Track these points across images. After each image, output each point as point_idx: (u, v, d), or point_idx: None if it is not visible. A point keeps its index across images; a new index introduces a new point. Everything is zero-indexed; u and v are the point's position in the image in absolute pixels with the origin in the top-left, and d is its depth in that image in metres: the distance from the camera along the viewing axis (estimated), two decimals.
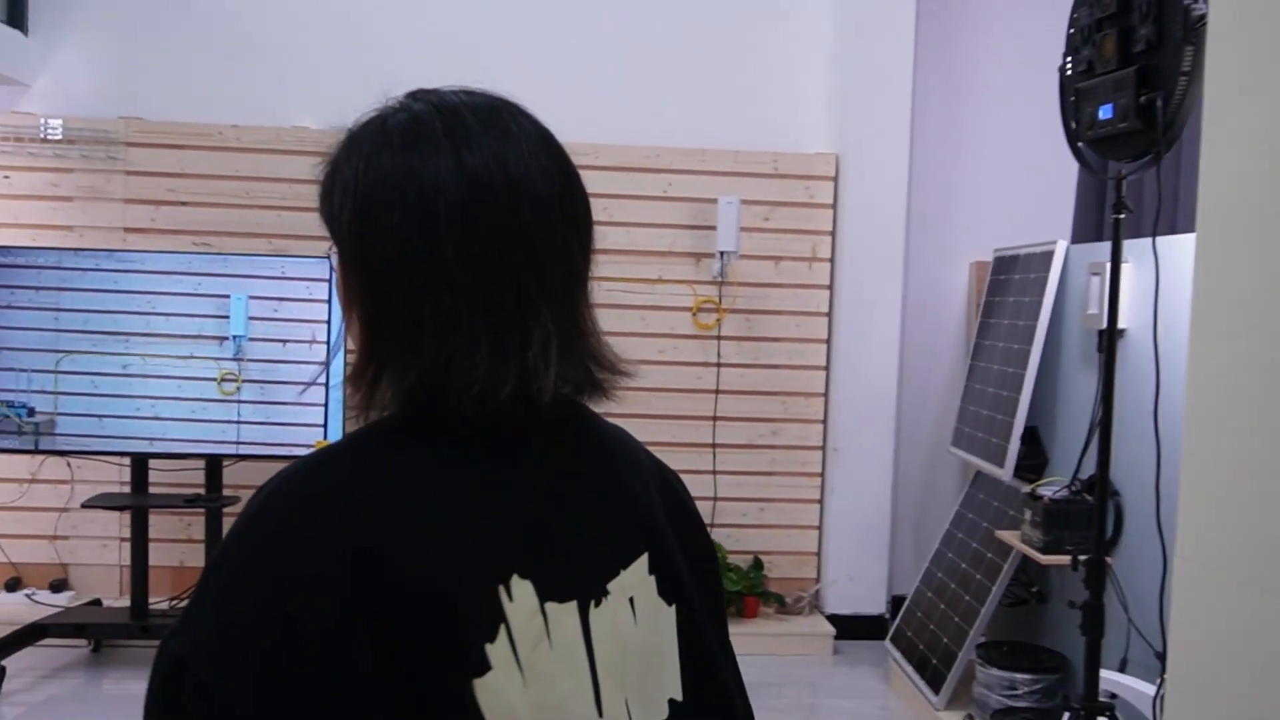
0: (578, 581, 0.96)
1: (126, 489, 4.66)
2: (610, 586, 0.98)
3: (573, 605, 0.95)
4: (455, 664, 0.87)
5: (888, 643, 4.71)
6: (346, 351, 4.42)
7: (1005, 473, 3.99)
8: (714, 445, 5.17)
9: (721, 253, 4.99)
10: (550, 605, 0.93)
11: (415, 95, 1.04)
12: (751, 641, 4.89)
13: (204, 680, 0.85)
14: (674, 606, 1.05)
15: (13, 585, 4.91)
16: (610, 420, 1.25)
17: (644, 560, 1.04)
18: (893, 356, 5.13)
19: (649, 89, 5.16)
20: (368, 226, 0.99)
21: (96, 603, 4.77)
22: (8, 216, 4.91)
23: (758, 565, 5.14)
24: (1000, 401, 4.18)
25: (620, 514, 1.06)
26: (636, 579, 1.02)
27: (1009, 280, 4.40)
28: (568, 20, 5.14)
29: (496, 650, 0.88)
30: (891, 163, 5.09)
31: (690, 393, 5.16)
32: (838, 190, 5.19)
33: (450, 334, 0.95)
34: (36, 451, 4.44)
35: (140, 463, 4.43)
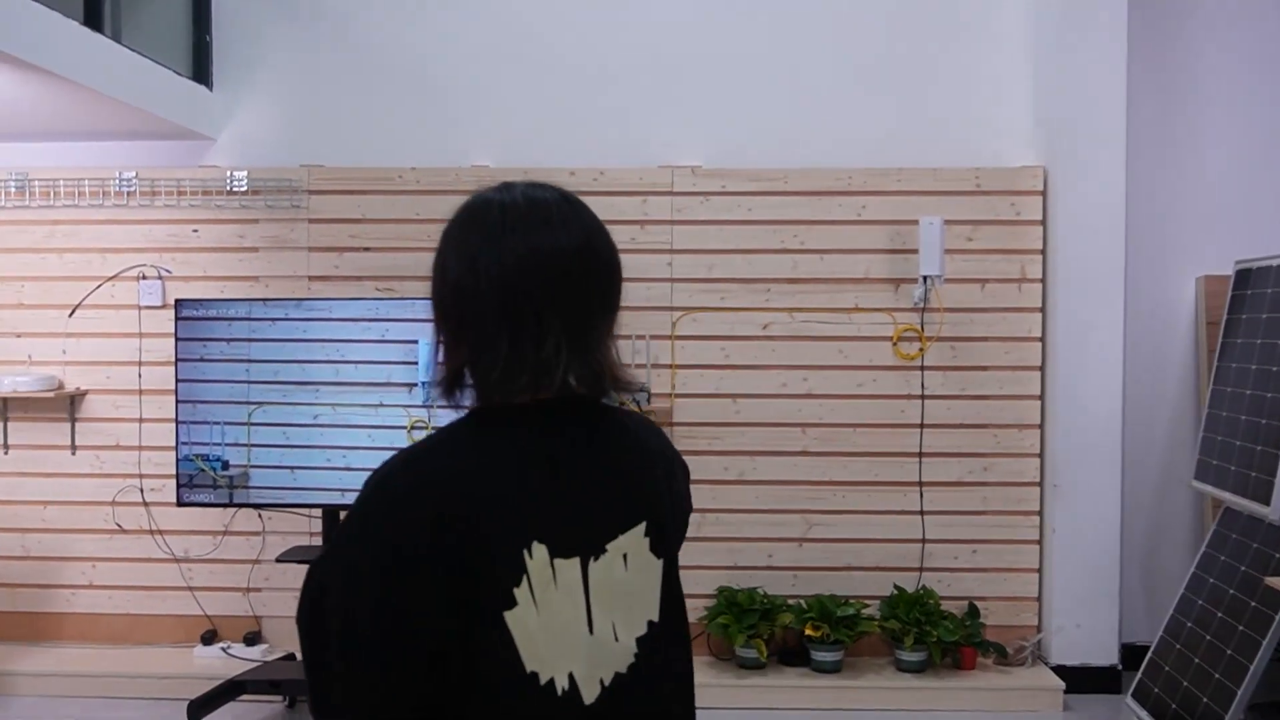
0: (581, 542, 1.33)
1: (317, 539, 4.58)
2: (609, 546, 1.36)
3: (575, 560, 1.32)
4: (493, 599, 1.26)
5: (1129, 699, 4.27)
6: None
7: (1272, 510, 3.54)
8: (920, 483, 4.82)
9: (924, 277, 4.66)
10: (558, 560, 1.30)
11: (499, 187, 1.42)
12: (971, 696, 4.51)
13: (338, 598, 1.24)
14: (661, 560, 1.42)
15: (209, 638, 4.88)
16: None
17: (641, 526, 1.40)
18: (1115, 382, 4.71)
19: (837, 108, 4.89)
20: (445, 282, 1.41)
21: (290, 657, 4.68)
22: (196, 269, 4.92)
23: (973, 613, 4.75)
24: (1256, 430, 3.73)
25: (623, 490, 1.41)
26: (633, 540, 1.39)
27: (1257, 295, 3.95)
28: (750, 45, 4.92)
29: (520, 591, 1.27)
30: (1106, 172, 4.68)
31: (893, 428, 4.83)
32: (1047, 205, 4.81)
33: (485, 347, 1.34)
34: (231, 505, 4.39)
35: (331, 515, 4.32)
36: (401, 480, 1.30)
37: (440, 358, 1.42)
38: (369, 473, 1.32)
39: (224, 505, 4.37)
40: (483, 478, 1.30)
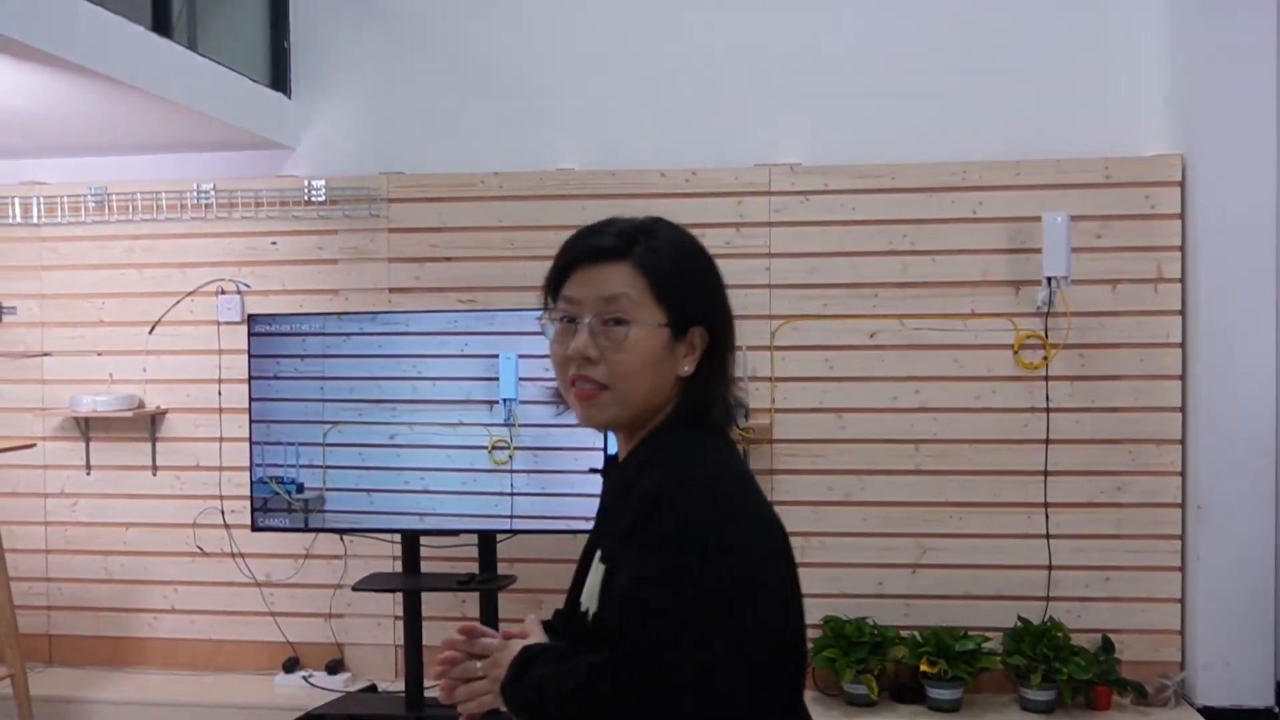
0: None
1: (398, 563, 4.35)
2: None
3: None
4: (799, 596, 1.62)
5: None
6: None
7: None
8: (1046, 505, 4.40)
9: (1049, 279, 4.25)
10: None
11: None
12: None
13: (752, 574, 1.49)
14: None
15: (290, 666, 4.69)
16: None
17: None
18: (1267, 391, 4.24)
19: (948, 96, 4.51)
20: (728, 309, 1.67)
21: (372, 688, 4.47)
22: (275, 283, 4.75)
23: (1107, 647, 4.32)
24: None
25: None
26: None
27: None
28: (849, 32, 4.57)
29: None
30: (1254, 159, 4.22)
31: (1015, 444, 4.42)
32: (1185, 197, 4.36)
33: (733, 370, 1.65)
34: (306, 530, 4.18)
35: (411, 540, 4.09)
36: (743, 494, 1.54)
37: (716, 380, 1.59)
38: (656, 491, 1.48)
39: (298, 530, 4.16)
40: (742, 475, 1.59)
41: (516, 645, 1.57)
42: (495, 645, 1.60)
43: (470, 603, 4.48)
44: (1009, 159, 4.43)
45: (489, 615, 4.03)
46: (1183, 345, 4.37)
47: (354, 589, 3.99)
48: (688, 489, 1.49)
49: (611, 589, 1.47)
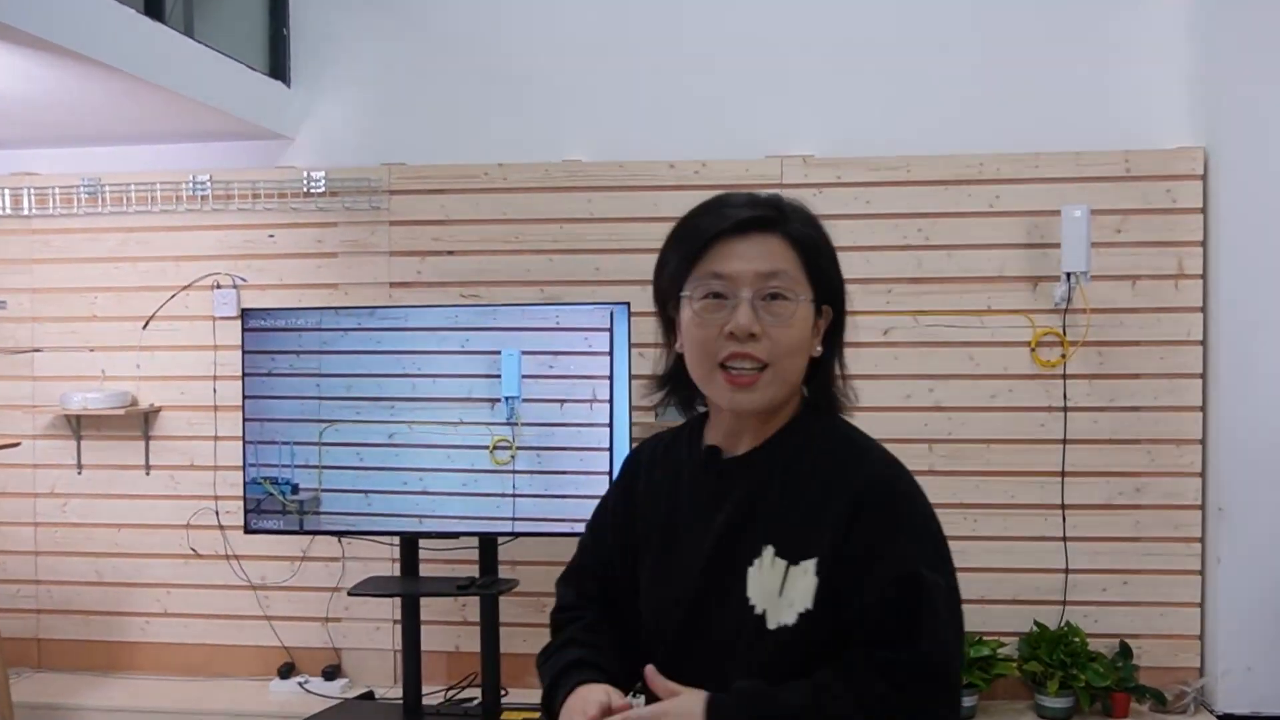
0: None
1: (397, 565, 4.23)
2: None
3: None
4: None
5: None
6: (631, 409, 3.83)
7: None
8: (1063, 506, 4.28)
9: (1068, 274, 4.13)
10: None
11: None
12: None
13: (954, 585, 1.48)
14: None
15: (286, 671, 4.57)
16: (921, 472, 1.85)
17: None
18: None
19: (965, 87, 4.38)
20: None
21: (369, 695, 4.34)
22: (273, 277, 4.63)
23: (1125, 653, 4.20)
24: None
25: None
26: None
27: None
28: (863, 21, 4.44)
29: None
30: (1277, 152, 4.10)
31: (1031, 444, 4.30)
32: (1207, 191, 4.23)
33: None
34: (301, 532, 4.06)
35: (410, 543, 3.97)
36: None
37: (839, 362, 1.58)
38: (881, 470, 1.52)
39: (292, 533, 4.04)
40: None
41: (692, 701, 1.40)
42: (653, 712, 1.43)
43: (471, 606, 4.37)
44: (1027, 151, 4.31)
45: (490, 620, 3.91)
46: (1203, 343, 4.25)
47: (350, 594, 3.86)
48: (907, 475, 1.52)
49: (862, 582, 1.41)
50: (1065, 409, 4.28)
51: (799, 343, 1.48)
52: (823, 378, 1.55)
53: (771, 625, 1.42)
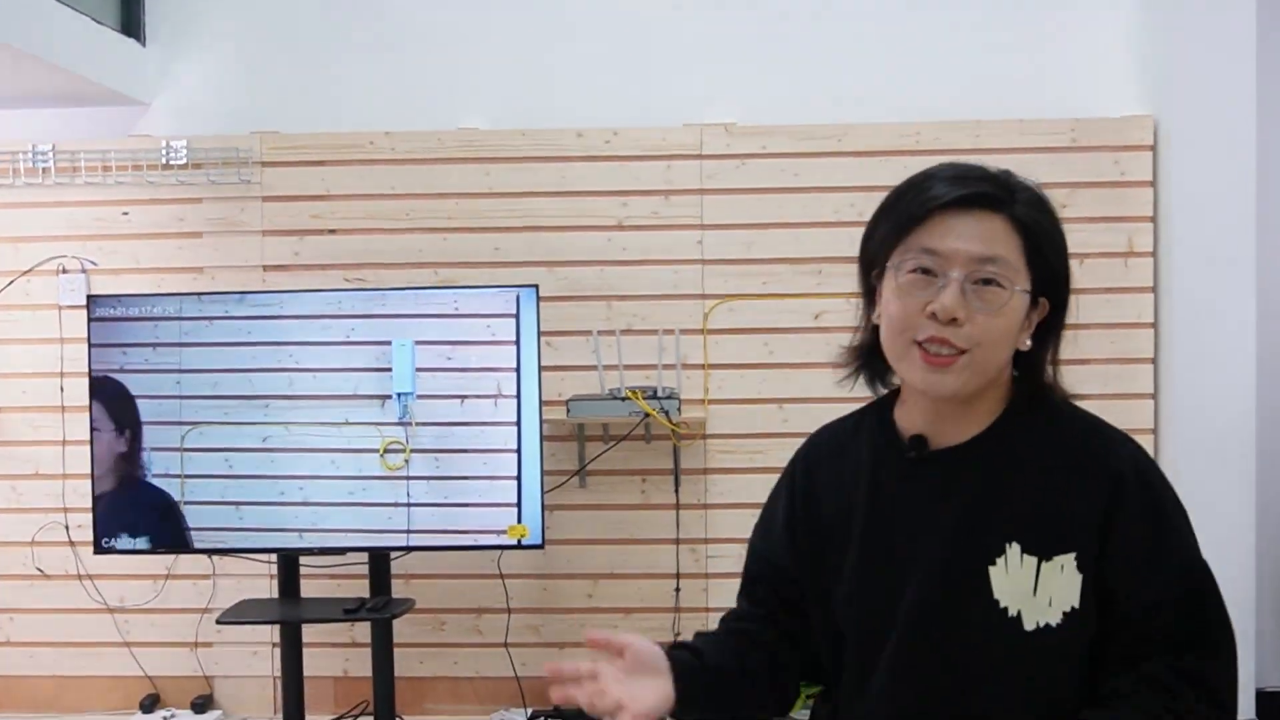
0: None
1: (276, 582, 3.73)
2: None
3: None
4: None
5: None
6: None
7: None
8: None
9: None
10: None
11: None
12: None
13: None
14: None
15: (149, 704, 4.05)
16: None
17: None
18: (1248, 377, 3.85)
19: (900, 50, 4.03)
20: None
21: None
22: (128, 260, 4.08)
23: None
24: None
25: None
26: None
27: None
28: None
29: None
30: (1233, 121, 3.82)
31: None
32: (1158, 163, 3.95)
33: None
34: (159, 551, 3.54)
35: (290, 561, 3.49)
36: None
37: (1054, 360, 1.48)
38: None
39: (149, 552, 3.51)
40: None
41: None
42: None
43: (361, 626, 3.89)
44: (967, 119, 3.98)
45: (382, 644, 3.45)
46: (1155, 325, 3.97)
47: (219, 623, 3.36)
48: (1156, 464, 1.48)
49: (1141, 578, 1.36)
50: None
51: (1004, 334, 1.39)
52: (1031, 371, 1.46)
53: (1029, 626, 1.36)
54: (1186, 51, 3.85)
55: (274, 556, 3.57)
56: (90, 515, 3.73)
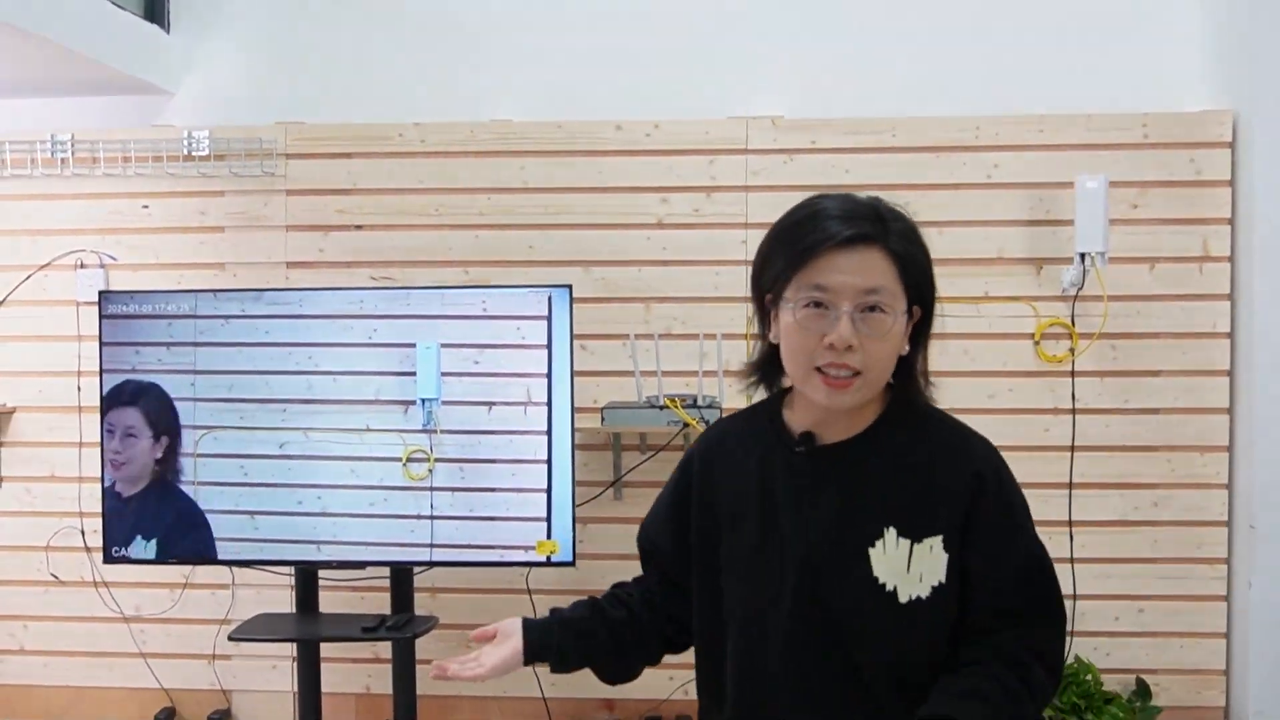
0: None
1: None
2: None
3: None
4: None
5: None
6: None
7: None
8: (1070, 523, 3.72)
9: (1082, 255, 3.56)
10: None
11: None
12: None
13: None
14: None
15: (166, 717, 3.90)
16: None
17: None
18: None
19: (959, 39, 3.80)
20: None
21: None
22: (148, 255, 3.92)
23: (1143, 691, 3.66)
24: None
25: None
26: None
27: None
28: None
29: None
30: None
31: (1035, 451, 3.73)
32: (1236, 161, 3.69)
33: None
34: (170, 562, 3.37)
35: (308, 574, 3.31)
36: None
37: (923, 356, 1.69)
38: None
39: (160, 562, 3.35)
40: None
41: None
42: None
43: (382, 646, 3.70)
44: (1031, 113, 3.74)
45: (404, 664, 3.26)
46: (1231, 335, 3.71)
47: (231, 639, 3.18)
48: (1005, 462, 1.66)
49: (993, 559, 1.58)
50: (1074, 411, 3.72)
51: (891, 353, 1.58)
52: (908, 371, 1.65)
53: (903, 599, 1.56)
54: (1269, 42, 3.60)
55: (291, 569, 3.39)
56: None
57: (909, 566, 1.57)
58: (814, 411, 1.62)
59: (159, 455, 3.29)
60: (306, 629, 3.19)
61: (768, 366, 1.70)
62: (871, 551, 1.57)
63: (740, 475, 1.68)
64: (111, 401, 3.29)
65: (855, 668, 1.57)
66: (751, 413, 1.77)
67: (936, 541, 1.56)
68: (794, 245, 1.56)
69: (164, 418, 3.28)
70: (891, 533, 1.57)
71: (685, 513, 1.73)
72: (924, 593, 1.56)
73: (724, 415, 1.77)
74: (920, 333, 1.63)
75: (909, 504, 1.58)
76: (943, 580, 1.57)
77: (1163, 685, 3.71)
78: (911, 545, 1.57)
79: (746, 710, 1.64)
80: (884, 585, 1.56)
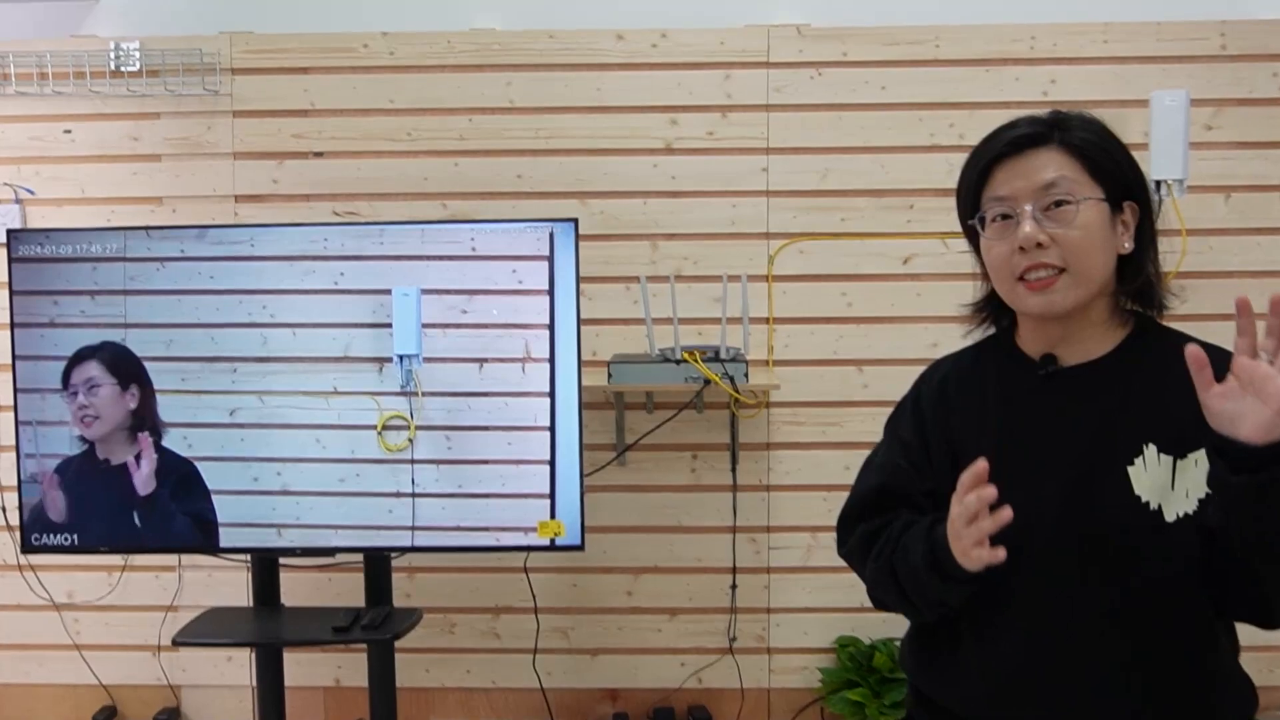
0: None
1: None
2: None
3: None
4: None
5: None
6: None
7: None
8: None
9: (1158, 183, 3.11)
10: None
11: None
12: None
13: None
14: None
15: (106, 717, 3.41)
16: None
17: None
18: None
19: None
20: None
21: None
22: (71, 188, 3.38)
23: None
24: None
25: None
26: None
27: None
28: None
29: None
30: None
31: None
32: None
33: None
34: (102, 550, 2.87)
35: (267, 563, 2.82)
36: None
37: (1152, 258, 1.61)
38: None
39: (90, 551, 2.84)
40: None
41: None
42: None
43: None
44: (1093, 21, 3.26)
45: (382, 663, 2.78)
46: None
47: (176, 643, 2.68)
48: None
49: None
50: None
51: (1092, 242, 1.52)
52: (1139, 277, 1.57)
53: (1170, 518, 1.48)
54: None
55: (248, 557, 2.90)
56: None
57: (1173, 483, 1.49)
58: (1047, 333, 1.59)
59: (133, 406, 2.78)
60: (266, 629, 2.70)
61: (992, 302, 1.66)
62: (1131, 470, 1.50)
63: (980, 410, 1.63)
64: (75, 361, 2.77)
65: (1123, 592, 1.48)
66: (976, 349, 1.72)
67: (1200, 455, 1.47)
68: (972, 170, 1.59)
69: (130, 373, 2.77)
70: (1152, 449, 1.50)
71: (924, 456, 1.66)
72: (1191, 508, 1.48)
73: (944, 356, 1.74)
74: (1143, 231, 1.57)
75: (1168, 419, 1.50)
76: (1209, 491, 1.45)
77: None
78: (1174, 461, 1.49)
79: (1001, 648, 1.55)
80: (1148, 504, 1.49)
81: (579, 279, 2.71)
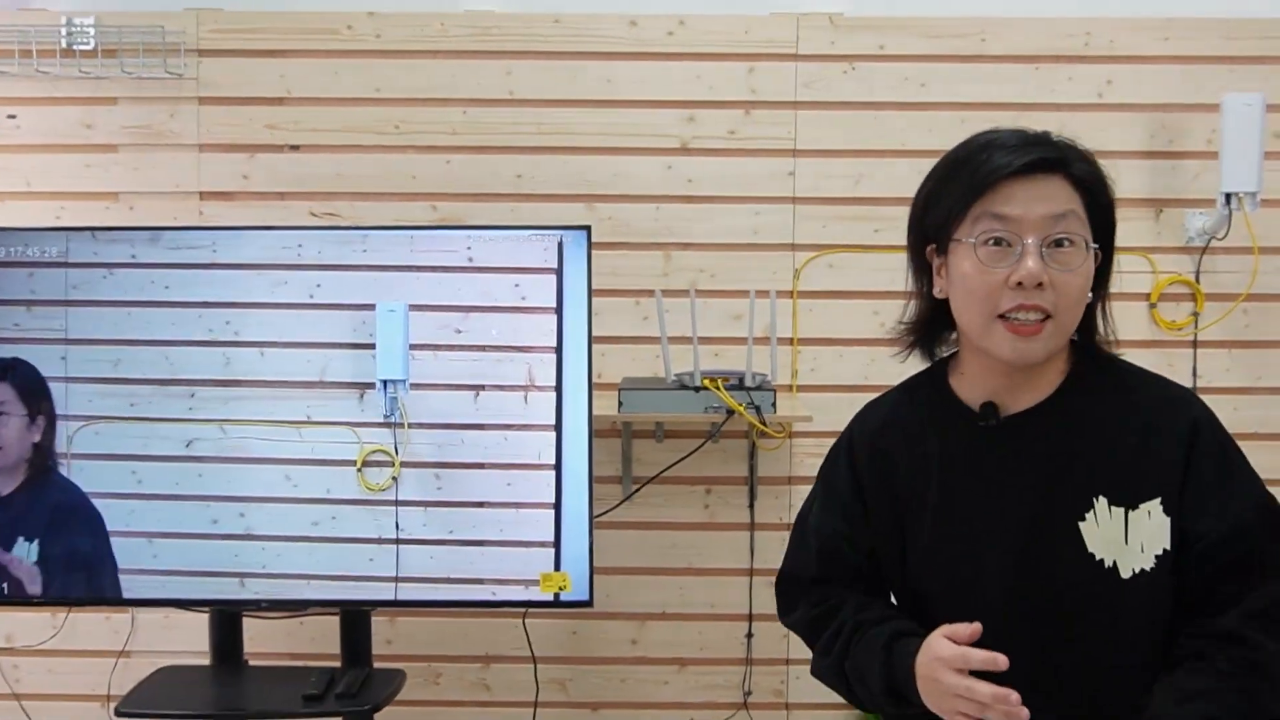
0: None
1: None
2: None
3: None
4: None
5: None
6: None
7: None
8: None
9: (1228, 196, 2.82)
10: None
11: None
12: None
13: None
14: None
15: None
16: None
17: None
18: None
19: None
20: None
21: None
22: (16, 181, 3.06)
23: None
24: None
25: None
26: None
27: None
28: None
29: None
30: None
31: None
32: None
33: None
34: (40, 603, 2.52)
35: (228, 617, 2.48)
36: None
37: (1105, 303, 1.55)
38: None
39: (27, 603, 2.50)
40: None
41: None
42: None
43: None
44: (1153, 16, 3.00)
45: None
46: None
47: (119, 714, 2.34)
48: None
49: (1224, 514, 1.42)
50: (1194, 390, 3.00)
51: (1082, 292, 1.45)
52: (1090, 321, 1.52)
53: (1126, 574, 1.43)
54: None
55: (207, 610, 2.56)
56: None
57: (1126, 537, 1.44)
58: (991, 377, 1.51)
59: (35, 440, 2.44)
60: (226, 696, 2.36)
61: (928, 327, 1.57)
62: (1082, 525, 1.45)
63: (919, 459, 1.54)
64: None
65: (1079, 652, 1.44)
66: (909, 389, 1.63)
67: (1154, 505, 1.44)
68: (967, 177, 1.44)
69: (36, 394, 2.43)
70: (1103, 502, 1.45)
71: (861, 513, 1.59)
72: (1148, 564, 1.44)
73: (873, 400, 1.65)
74: (1101, 276, 1.51)
75: (1117, 468, 1.45)
76: (1168, 547, 1.44)
77: None
78: (1127, 513, 1.44)
79: None
80: (1101, 561, 1.44)
81: (591, 294, 2.39)
